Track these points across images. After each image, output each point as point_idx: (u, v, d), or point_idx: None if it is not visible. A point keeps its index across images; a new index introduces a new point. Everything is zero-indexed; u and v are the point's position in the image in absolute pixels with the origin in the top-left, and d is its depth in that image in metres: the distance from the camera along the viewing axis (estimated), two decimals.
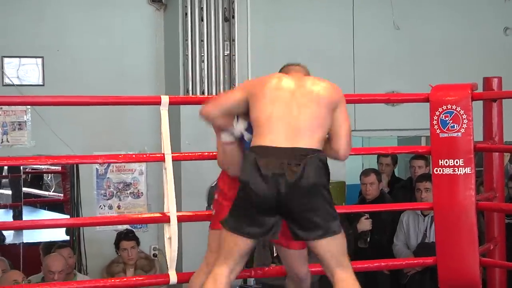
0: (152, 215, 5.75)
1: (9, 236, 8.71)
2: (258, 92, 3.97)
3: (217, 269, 3.95)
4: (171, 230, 4.60)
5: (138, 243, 6.87)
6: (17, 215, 9.34)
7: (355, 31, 8.52)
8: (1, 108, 7.37)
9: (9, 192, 9.84)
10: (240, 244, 3.91)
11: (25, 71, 7.52)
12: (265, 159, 3.81)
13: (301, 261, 4.42)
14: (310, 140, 3.84)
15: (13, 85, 7.41)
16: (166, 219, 4.63)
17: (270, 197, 3.78)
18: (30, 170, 9.73)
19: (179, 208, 4.89)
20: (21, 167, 8.85)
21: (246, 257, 3.99)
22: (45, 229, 7.85)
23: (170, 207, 4.61)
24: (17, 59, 7.51)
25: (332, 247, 3.90)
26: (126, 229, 6.98)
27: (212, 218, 4.44)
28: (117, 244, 6.86)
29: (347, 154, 4.02)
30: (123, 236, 6.86)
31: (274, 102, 3.92)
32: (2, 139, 7.40)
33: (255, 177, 3.81)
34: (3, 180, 10.05)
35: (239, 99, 4.06)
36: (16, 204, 9.36)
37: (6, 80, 7.43)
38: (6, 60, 7.46)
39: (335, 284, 3.96)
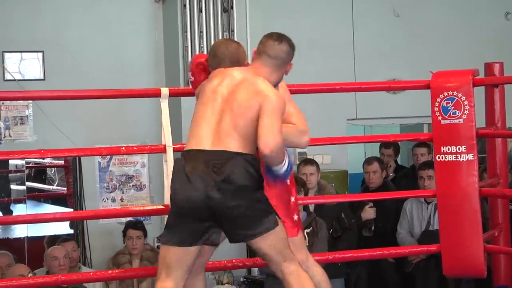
0: (154, 207, 5.74)
1: (13, 230, 8.71)
2: (202, 92, 4.04)
3: (161, 284, 3.94)
4: None
5: (145, 234, 6.87)
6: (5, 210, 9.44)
7: (354, 19, 8.51)
8: (3, 103, 7.37)
9: (16, 187, 9.85)
10: (177, 255, 3.91)
11: (26, 66, 7.51)
12: (191, 163, 3.85)
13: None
14: (232, 144, 3.83)
15: (14, 80, 7.41)
16: (168, 211, 4.62)
17: (199, 201, 3.79)
18: (33, 165, 9.71)
19: None
20: (24, 161, 8.84)
21: (189, 265, 3.96)
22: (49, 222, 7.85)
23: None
24: (18, 53, 7.51)
25: (272, 242, 3.88)
26: (136, 219, 7.00)
27: None
28: (124, 232, 6.87)
29: (267, 148, 3.79)
30: (131, 225, 6.87)
31: (206, 104, 3.95)
32: (4, 134, 7.41)
33: (183, 182, 3.85)
34: (10, 175, 10.06)
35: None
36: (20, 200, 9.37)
37: (7, 75, 7.43)
38: (6, 55, 7.46)
39: (284, 278, 3.95)
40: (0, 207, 9.80)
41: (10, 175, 9.70)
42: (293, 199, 4.32)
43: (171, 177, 3.99)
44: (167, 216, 4.24)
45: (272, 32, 4.14)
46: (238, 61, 4.21)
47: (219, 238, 3.95)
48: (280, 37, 4.08)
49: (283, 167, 3.96)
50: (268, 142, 3.79)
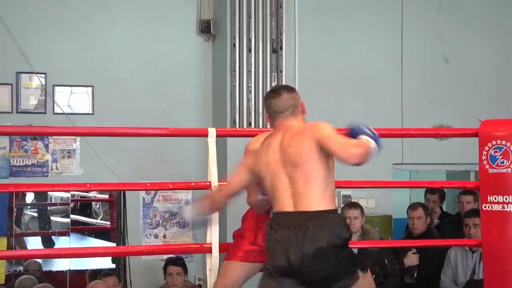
0: (193, 245, 5.74)
1: (56, 262, 8.76)
2: (258, 170, 4.07)
3: None
4: (212, 262, 4.61)
5: (185, 271, 6.86)
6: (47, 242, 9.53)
7: (403, 62, 8.49)
8: (52, 136, 7.45)
9: (59, 219, 9.93)
10: None
11: (75, 100, 7.60)
12: (279, 226, 3.92)
13: None
14: (311, 201, 3.86)
15: (64, 113, 7.50)
16: (208, 250, 4.64)
17: (284, 265, 3.87)
18: (78, 198, 9.80)
19: (223, 239, 4.89)
20: (70, 194, 8.91)
21: None
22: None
23: (213, 238, 4.62)
24: (68, 87, 7.60)
25: None
26: (177, 256, 7.01)
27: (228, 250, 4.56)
28: (164, 269, 6.86)
29: (348, 153, 3.82)
30: (171, 261, 6.87)
31: (271, 176, 3.99)
32: (51, 167, 7.49)
33: (271, 246, 3.94)
34: (53, 208, 10.15)
35: (245, 181, 4.18)
36: (64, 232, 9.44)
37: (57, 109, 7.52)
38: (57, 88, 7.56)
39: None
40: (42, 239, 9.88)
41: (55, 207, 9.79)
42: None
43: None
44: (209, 254, 4.31)
45: (267, 93, 4.28)
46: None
47: None
48: (274, 93, 4.18)
49: (374, 144, 3.99)
50: (351, 154, 3.82)
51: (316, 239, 3.80)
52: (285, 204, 3.91)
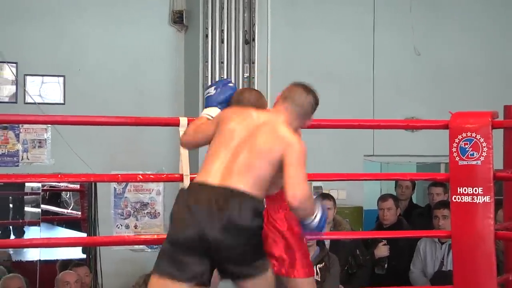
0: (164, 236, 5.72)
1: (26, 253, 8.73)
2: (221, 128, 3.97)
3: None
4: None
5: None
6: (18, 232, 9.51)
7: (375, 55, 8.52)
8: (22, 126, 7.41)
9: (29, 209, 9.90)
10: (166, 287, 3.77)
11: (46, 90, 7.57)
12: (195, 196, 3.78)
13: None
14: (241, 183, 3.76)
15: (35, 103, 7.46)
16: None
17: (195, 235, 3.70)
18: (48, 188, 9.75)
19: None
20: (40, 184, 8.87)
21: None
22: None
23: None
24: (39, 77, 7.56)
25: (261, 285, 3.86)
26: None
27: None
28: None
29: (295, 200, 3.72)
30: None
31: (222, 143, 3.90)
32: (22, 157, 7.44)
33: (183, 214, 3.77)
34: (25, 197, 10.12)
35: (211, 131, 4.03)
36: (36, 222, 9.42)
37: (28, 98, 7.48)
38: (28, 78, 7.52)
39: None
40: (13, 229, 9.84)
41: (25, 197, 9.75)
42: (305, 239, 4.35)
43: (173, 205, 3.91)
44: None
45: (301, 82, 4.15)
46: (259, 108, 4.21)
47: (210, 278, 3.83)
48: (308, 88, 4.10)
49: (315, 220, 3.87)
50: (296, 194, 3.72)
51: (237, 217, 3.69)
52: (213, 176, 3.77)
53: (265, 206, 4.08)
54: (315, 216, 3.86)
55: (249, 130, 3.90)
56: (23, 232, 9.74)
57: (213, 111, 4.21)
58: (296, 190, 3.72)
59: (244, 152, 3.82)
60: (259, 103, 4.26)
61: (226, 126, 3.94)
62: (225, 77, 7.52)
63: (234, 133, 3.90)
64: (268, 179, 3.84)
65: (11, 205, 10.04)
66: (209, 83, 7.49)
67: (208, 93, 4.28)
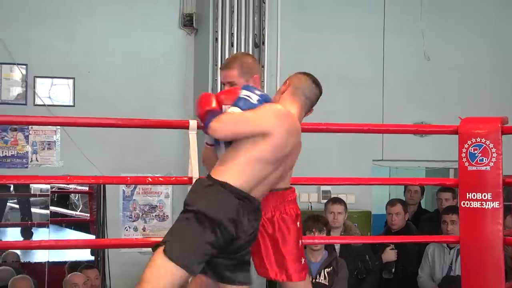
0: None
1: (35, 254, 8.75)
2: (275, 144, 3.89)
3: None
4: None
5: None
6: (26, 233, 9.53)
7: (385, 59, 8.52)
8: (32, 127, 7.44)
9: (38, 210, 9.92)
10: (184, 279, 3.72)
11: (56, 92, 7.59)
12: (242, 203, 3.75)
13: None
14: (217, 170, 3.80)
15: (44, 105, 7.48)
16: None
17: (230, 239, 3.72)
18: (57, 190, 9.79)
19: None
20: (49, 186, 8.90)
21: None
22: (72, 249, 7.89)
23: None
24: (49, 79, 7.58)
25: None
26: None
27: None
28: None
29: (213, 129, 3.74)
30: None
31: (269, 163, 3.86)
32: (31, 158, 7.46)
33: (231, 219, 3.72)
34: (32, 199, 10.14)
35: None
36: (43, 223, 9.44)
37: (38, 100, 7.50)
38: (38, 80, 7.54)
39: None
40: (21, 230, 9.86)
41: (34, 199, 9.78)
42: (300, 242, 4.25)
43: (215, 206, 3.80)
44: None
45: (307, 72, 4.12)
46: (250, 72, 4.17)
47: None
48: (316, 80, 4.08)
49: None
50: (214, 125, 3.75)
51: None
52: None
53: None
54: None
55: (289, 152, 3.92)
56: (30, 233, 9.77)
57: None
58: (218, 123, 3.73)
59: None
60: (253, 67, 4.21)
61: (280, 142, 3.79)
62: None
63: (282, 160, 3.88)
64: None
65: (22, 208, 10.08)
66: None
67: (249, 96, 3.95)
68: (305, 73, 4.11)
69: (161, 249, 3.69)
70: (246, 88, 3.93)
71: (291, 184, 4.22)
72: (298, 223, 4.20)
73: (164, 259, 3.64)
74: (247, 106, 3.85)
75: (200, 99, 3.99)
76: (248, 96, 3.89)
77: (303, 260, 4.24)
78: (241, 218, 3.72)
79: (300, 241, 4.23)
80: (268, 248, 4.15)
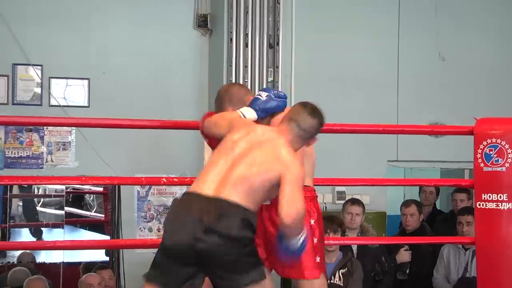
0: None
1: (49, 254, 8.77)
2: (226, 137, 3.96)
3: None
4: None
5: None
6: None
7: (400, 59, 8.50)
8: (47, 128, 7.46)
9: (52, 211, 9.95)
10: None
11: (71, 92, 7.61)
12: (188, 205, 3.76)
13: None
14: (233, 195, 3.73)
15: (59, 105, 7.50)
16: None
17: (186, 244, 3.68)
18: (72, 190, 9.81)
19: None
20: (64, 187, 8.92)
21: None
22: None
23: None
24: (64, 80, 7.60)
25: None
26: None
27: None
28: None
29: (289, 217, 3.67)
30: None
31: (222, 153, 3.89)
32: (46, 159, 7.48)
33: (175, 223, 3.76)
34: (46, 199, 10.18)
35: (221, 134, 4.03)
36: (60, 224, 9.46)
37: (53, 101, 7.52)
38: (53, 81, 7.56)
39: None
40: (31, 231, 9.88)
41: (48, 199, 9.80)
42: (315, 240, 4.25)
43: (167, 213, 3.91)
44: None
45: (307, 103, 4.10)
46: (240, 101, 4.22)
47: (201, 286, 3.84)
48: (314, 112, 4.04)
49: (299, 240, 3.81)
50: (291, 212, 3.67)
51: (227, 227, 3.66)
52: (208, 186, 3.76)
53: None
54: (301, 236, 3.80)
55: (251, 144, 3.88)
56: (41, 233, 9.81)
57: (249, 113, 4.15)
58: (292, 208, 3.68)
59: (242, 165, 3.80)
60: (239, 95, 4.25)
61: (231, 137, 3.94)
62: (248, 81, 7.53)
63: (236, 145, 3.88)
64: (262, 195, 3.82)
65: (30, 208, 10.11)
66: None
67: (259, 95, 4.18)
68: (304, 105, 4.09)
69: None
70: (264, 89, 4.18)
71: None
72: (312, 220, 4.21)
73: None
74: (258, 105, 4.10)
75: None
76: (259, 95, 4.14)
77: (318, 258, 4.23)
78: None
79: (314, 239, 4.23)
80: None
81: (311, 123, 4.02)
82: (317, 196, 4.36)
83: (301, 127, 3.99)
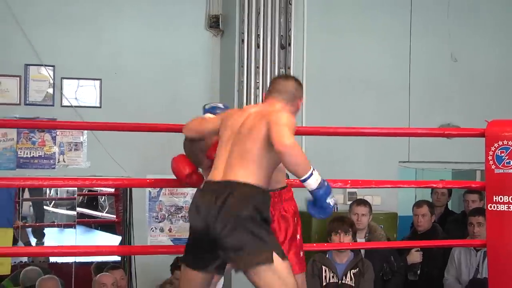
0: None
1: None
2: (221, 128, 4.16)
3: None
4: None
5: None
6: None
7: (411, 61, 8.48)
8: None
9: (64, 211, 9.98)
10: (191, 276, 4.06)
11: (83, 93, 7.63)
12: (203, 194, 3.99)
13: None
14: (239, 173, 3.90)
15: (71, 106, 7.52)
16: None
17: (202, 231, 3.92)
18: (84, 191, 9.85)
19: None
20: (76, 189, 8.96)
21: None
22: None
23: None
24: (76, 80, 7.62)
25: (267, 280, 3.85)
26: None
27: None
28: (173, 267, 6.81)
29: (281, 144, 3.79)
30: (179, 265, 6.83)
31: (221, 141, 4.09)
32: (58, 159, 7.51)
33: (193, 212, 4.01)
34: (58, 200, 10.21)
35: (212, 129, 4.27)
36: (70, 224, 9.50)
37: (65, 101, 7.54)
38: (65, 81, 7.58)
39: None
40: (33, 231, 9.88)
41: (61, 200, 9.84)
42: (299, 236, 4.38)
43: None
44: None
45: (279, 74, 4.39)
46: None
47: (222, 267, 4.04)
48: (286, 76, 4.43)
49: (317, 185, 3.85)
50: (282, 139, 3.80)
51: (235, 207, 3.83)
52: (217, 173, 3.97)
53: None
54: (311, 176, 3.83)
55: (240, 122, 4.07)
56: (42, 233, 9.83)
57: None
58: (282, 137, 3.81)
59: (236, 140, 4.01)
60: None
61: (224, 124, 4.14)
62: (260, 82, 7.53)
63: (229, 128, 4.09)
64: (265, 162, 3.94)
65: (39, 209, 10.13)
66: (245, 88, 7.52)
67: (218, 106, 4.65)
68: (274, 76, 4.77)
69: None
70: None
71: None
72: (295, 218, 4.37)
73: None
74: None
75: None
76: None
77: (301, 253, 4.39)
78: None
79: (298, 235, 4.37)
80: None
81: (288, 84, 4.26)
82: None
83: (281, 91, 4.22)
